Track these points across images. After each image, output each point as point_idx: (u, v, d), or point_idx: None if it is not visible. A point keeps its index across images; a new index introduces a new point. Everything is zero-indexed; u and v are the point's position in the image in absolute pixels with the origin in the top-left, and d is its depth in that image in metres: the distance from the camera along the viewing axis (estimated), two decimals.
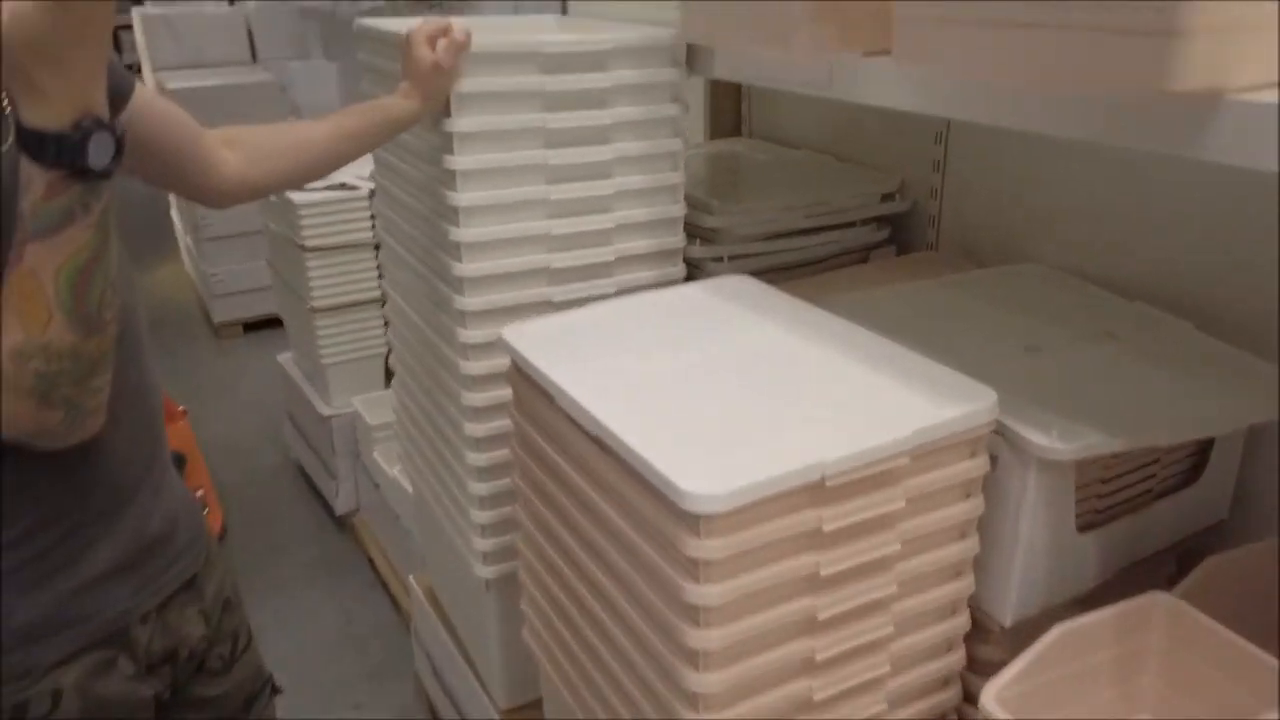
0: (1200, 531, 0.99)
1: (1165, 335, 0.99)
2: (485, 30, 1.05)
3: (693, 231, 1.25)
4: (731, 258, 1.27)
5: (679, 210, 1.20)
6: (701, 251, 1.26)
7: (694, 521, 0.70)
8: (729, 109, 1.72)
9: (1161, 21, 0.55)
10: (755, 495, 0.70)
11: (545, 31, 1.17)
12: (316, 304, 2.12)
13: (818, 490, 0.73)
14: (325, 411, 2.24)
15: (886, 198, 1.36)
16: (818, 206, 1.30)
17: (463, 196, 1.06)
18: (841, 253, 1.36)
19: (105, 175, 0.59)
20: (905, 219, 1.38)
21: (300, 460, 2.58)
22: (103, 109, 0.59)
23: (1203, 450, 0.96)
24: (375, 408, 2.08)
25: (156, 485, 0.81)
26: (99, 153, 0.58)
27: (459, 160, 1.05)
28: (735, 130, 1.73)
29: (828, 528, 0.74)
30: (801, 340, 0.94)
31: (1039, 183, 1.19)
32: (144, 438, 0.79)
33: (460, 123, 1.03)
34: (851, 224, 1.34)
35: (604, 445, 0.80)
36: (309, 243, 2.05)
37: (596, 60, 1.08)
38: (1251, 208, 0.97)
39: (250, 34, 3.63)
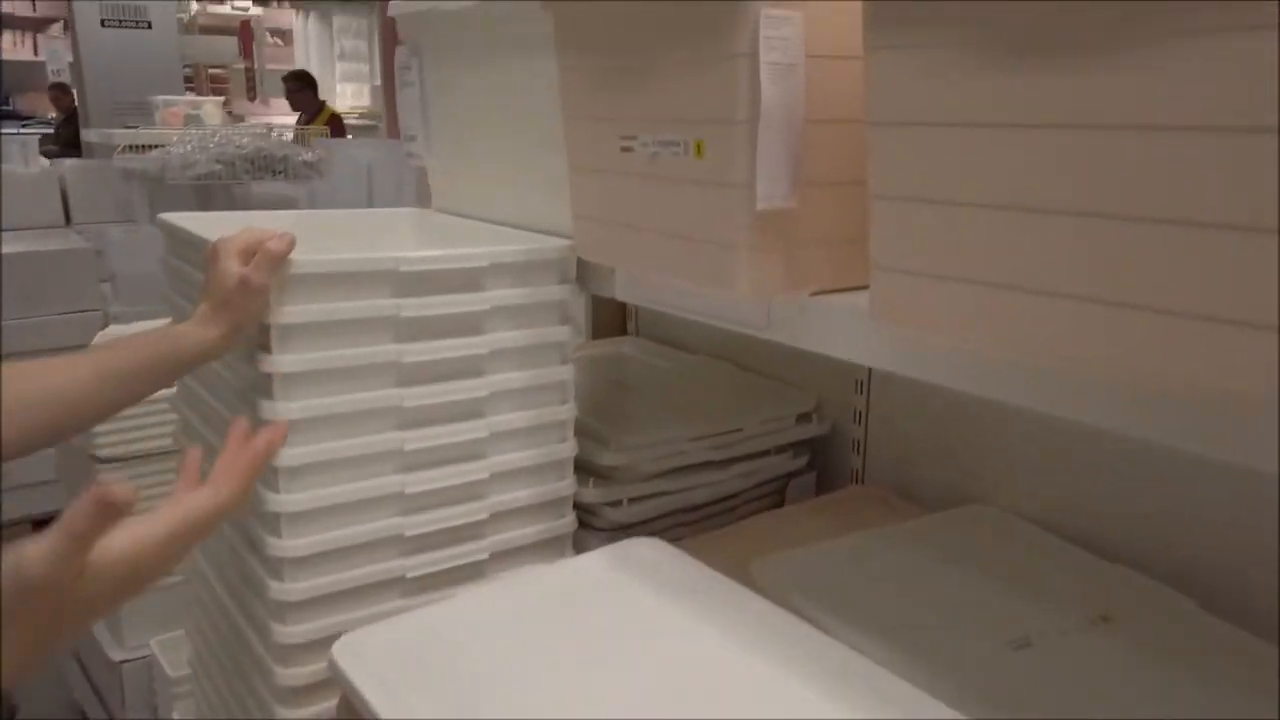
0: None
1: (1168, 617, 0.82)
2: (322, 236, 0.83)
3: (584, 468, 1.02)
4: (631, 500, 1.05)
5: (569, 450, 0.97)
6: (595, 495, 1.02)
7: None
8: (612, 304, 1.54)
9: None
10: None
11: (401, 238, 0.95)
12: None
13: None
14: (115, 655, 1.81)
15: (803, 418, 1.18)
16: (729, 435, 1.11)
17: (285, 452, 0.80)
18: (756, 485, 1.16)
19: None
20: (824, 442, 1.20)
21: (84, 709, 2.09)
22: None
23: None
24: (178, 651, 1.68)
25: None
26: None
27: (280, 407, 0.79)
28: (620, 328, 1.55)
29: None
30: (747, 655, 0.71)
31: (985, 409, 1.04)
32: None
33: (283, 360, 0.78)
34: (766, 452, 1.15)
35: None
36: (102, 452, 1.69)
37: (468, 279, 0.86)
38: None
39: (65, 195, 3.26)
